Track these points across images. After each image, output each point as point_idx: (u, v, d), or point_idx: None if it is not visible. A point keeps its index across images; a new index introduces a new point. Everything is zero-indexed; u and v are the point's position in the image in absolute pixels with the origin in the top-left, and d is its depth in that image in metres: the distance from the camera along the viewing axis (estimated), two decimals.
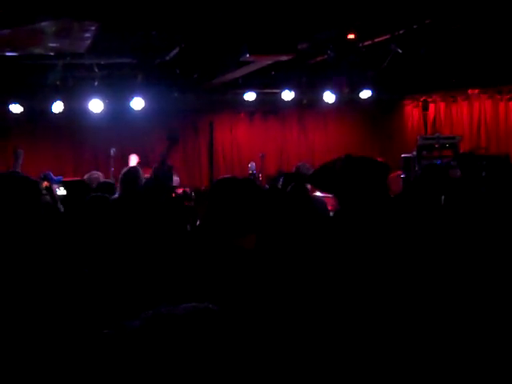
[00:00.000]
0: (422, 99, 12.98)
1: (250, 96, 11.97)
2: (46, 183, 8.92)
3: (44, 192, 8.51)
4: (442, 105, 13.12)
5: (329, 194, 4.50)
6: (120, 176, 6.53)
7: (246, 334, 1.32)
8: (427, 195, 4.27)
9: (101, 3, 6.58)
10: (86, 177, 7.41)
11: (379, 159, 11.35)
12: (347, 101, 12.58)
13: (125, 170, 6.61)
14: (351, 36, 8.31)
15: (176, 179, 8.27)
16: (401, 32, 8.50)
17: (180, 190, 8.35)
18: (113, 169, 10.37)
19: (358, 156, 3.39)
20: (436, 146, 10.76)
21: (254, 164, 10.38)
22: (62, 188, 7.32)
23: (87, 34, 7.01)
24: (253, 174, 10.01)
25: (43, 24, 6.71)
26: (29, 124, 12.04)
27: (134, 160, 8.49)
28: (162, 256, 3.55)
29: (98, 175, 7.31)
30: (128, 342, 1.20)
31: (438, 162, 10.12)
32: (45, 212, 4.48)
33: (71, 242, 4.07)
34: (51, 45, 7.60)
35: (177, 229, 4.67)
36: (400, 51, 8.73)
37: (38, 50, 7.84)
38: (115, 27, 7.41)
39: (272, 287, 2.38)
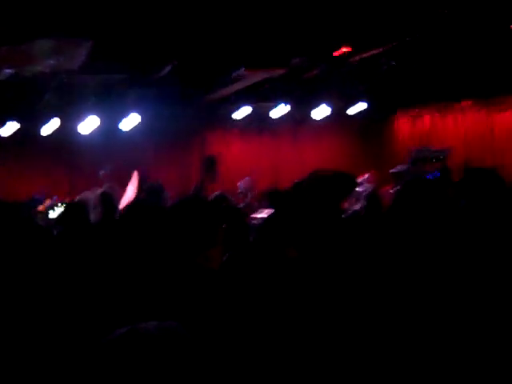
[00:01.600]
0: (414, 112, 13.06)
1: (243, 111, 11.96)
2: (41, 207, 8.89)
3: (38, 216, 8.46)
4: (435, 116, 13.18)
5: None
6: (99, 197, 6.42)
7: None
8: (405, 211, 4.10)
9: (95, 20, 6.59)
10: (77, 198, 7.33)
11: (372, 172, 11.33)
12: (340, 115, 12.63)
13: (100, 191, 6.54)
14: (345, 50, 8.35)
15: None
16: (393, 45, 8.55)
17: None
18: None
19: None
20: (428, 158, 10.81)
21: (242, 183, 10.42)
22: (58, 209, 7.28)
23: (83, 51, 7.00)
24: (241, 192, 10.06)
25: (38, 41, 6.70)
26: (22, 144, 11.96)
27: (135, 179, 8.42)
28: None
29: (90, 195, 7.23)
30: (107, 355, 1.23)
31: (428, 175, 10.14)
32: (36, 235, 4.41)
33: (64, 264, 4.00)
34: (46, 62, 7.57)
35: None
36: (394, 63, 8.78)
37: (33, 69, 7.81)
38: (109, 44, 7.41)
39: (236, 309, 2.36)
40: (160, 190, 7.68)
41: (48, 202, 9.89)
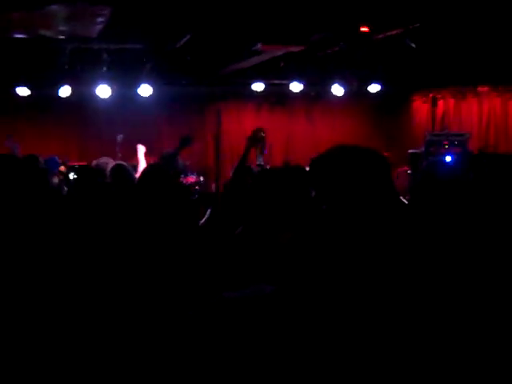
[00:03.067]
0: (431, 95, 12.91)
1: (258, 86, 11.92)
2: (62, 168, 8.92)
3: (60, 177, 8.51)
4: (451, 101, 13.05)
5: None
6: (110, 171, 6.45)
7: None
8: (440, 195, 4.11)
9: None
10: (94, 163, 7.34)
11: (385, 154, 11.31)
12: (355, 94, 12.53)
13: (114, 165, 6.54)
14: (364, 29, 8.24)
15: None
16: (412, 27, 8.43)
17: (192, 179, 8.35)
18: (120, 155, 10.34)
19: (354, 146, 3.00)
20: (444, 142, 10.70)
21: (262, 156, 10.32)
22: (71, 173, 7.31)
23: (100, 19, 6.95)
24: (260, 165, 9.95)
25: (55, 7, 6.65)
26: (35, 108, 12.00)
27: (141, 150, 8.43)
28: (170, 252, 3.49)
29: (108, 161, 7.23)
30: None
31: (449, 157, 10.04)
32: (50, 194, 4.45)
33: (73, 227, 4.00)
34: (62, 28, 7.54)
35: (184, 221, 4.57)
36: (414, 46, 8.66)
37: (48, 33, 7.78)
38: (128, 12, 7.35)
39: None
40: (175, 158, 7.64)
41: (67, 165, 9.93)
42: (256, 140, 5.76)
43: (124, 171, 6.27)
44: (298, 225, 2.67)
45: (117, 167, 6.32)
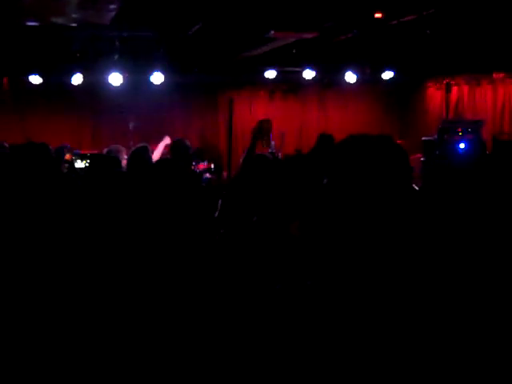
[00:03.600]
0: (445, 82, 12.79)
1: (270, 74, 11.87)
2: (68, 156, 8.94)
3: (64, 164, 8.55)
4: (466, 88, 12.91)
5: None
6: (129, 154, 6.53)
7: None
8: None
9: None
10: (105, 150, 7.35)
11: (399, 142, 11.31)
12: (369, 81, 12.44)
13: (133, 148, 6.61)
14: (378, 15, 8.17)
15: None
16: (427, 13, 8.35)
17: (203, 166, 8.34)
18: (132, 142, 10.35)
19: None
20: (458, 129, 10.61)
21: (273, 143, 10.29)
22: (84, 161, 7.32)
23: (112, 6, 6.93)
24: (272, 153, 9.92)
25: None
26: (47, 96, 12.02)
27: (166, 140, 8.37)
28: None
29: (119, 149, 7.24)
30: None
31: (462, 144, 9.96)
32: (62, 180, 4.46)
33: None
34: (74, 16, 7.53)
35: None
36: (428, 32, 8.57)
37: (60, 21, 7.77)
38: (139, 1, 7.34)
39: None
40: (187, 147, 7.61)
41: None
42: (261, 131, 5.74)
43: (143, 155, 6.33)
44: (306, 212, 2.66)
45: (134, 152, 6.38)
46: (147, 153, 6.62)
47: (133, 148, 6.80)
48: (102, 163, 5.61)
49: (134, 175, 5.73)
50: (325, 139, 6.53)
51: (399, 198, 2.41)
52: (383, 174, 2.37)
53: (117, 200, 4.44)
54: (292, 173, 2.83)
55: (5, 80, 11.89)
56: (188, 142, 7.38)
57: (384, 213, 2.37)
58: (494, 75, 12.40)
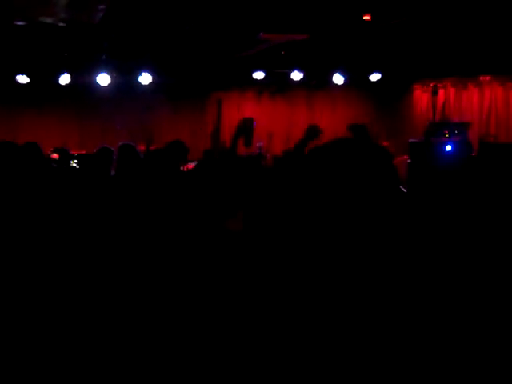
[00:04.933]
0: (431, 84, 12.85)
1: (258, 75, 11.89)
2: (55, 155, 8.93)
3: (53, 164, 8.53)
4: (452, 90, 12.99)
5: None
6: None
7: None
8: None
9: None
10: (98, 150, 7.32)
11: (385, 143, 11.35)
12: (356, 83, 12.50)
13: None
14: (366, 18, 8.22)
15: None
16: (413, 16, 8.41)
17: (191, 167, 8.32)
18: (120, 143, 10.32)
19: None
20: (445, 132, 10.67)
21: (261, 143, 10.32)
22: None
23: (101, 6, 6.92)
24: (260, 153, 9.95)
25: None
26: (35, 95, 11.98)
27: None
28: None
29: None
30: None
31: (449, 146, 10.02)
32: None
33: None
34: (62, 16, 7.52)
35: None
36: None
37: (49, 21, 7.76)
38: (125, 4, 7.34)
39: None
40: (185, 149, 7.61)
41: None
42: (242, 130, 5.72)
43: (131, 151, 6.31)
44: (253, 205, 2.68)
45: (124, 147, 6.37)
46: (135, 148, 6.60)
47: (120, 143, 6.75)
48: (92, 163, 5.61)
49: (124, 171, 5.73)
50: (312, 131, 6.50)
51: (382, 199, 2.43)
52: (363, 175, 2.40)
53: (109, 198, 4.45)
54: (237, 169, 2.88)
55: None
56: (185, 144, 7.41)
57: (366, 213, 2.40)
58: (481, 78, 12.50)
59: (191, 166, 9.43)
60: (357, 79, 12.23)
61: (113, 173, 5.99)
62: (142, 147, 8.52)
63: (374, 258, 2.28)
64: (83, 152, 10.26)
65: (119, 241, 3.52)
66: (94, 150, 7.60)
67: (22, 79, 11.10)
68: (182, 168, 8.34)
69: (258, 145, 10.31)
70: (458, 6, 8.03)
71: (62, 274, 2.77)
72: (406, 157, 10.44)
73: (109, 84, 11.15)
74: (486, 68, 11.79)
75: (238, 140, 5.17)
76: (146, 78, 11.18)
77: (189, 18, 8.36)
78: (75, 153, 10.24)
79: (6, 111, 12.09)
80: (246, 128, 5.70)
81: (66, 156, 8.48)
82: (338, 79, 12.01)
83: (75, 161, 7.96)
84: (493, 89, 12.53)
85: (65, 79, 11.08)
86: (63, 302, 2.62)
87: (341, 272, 2.15)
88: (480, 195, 3.68)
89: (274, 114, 13.53)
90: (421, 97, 13.51)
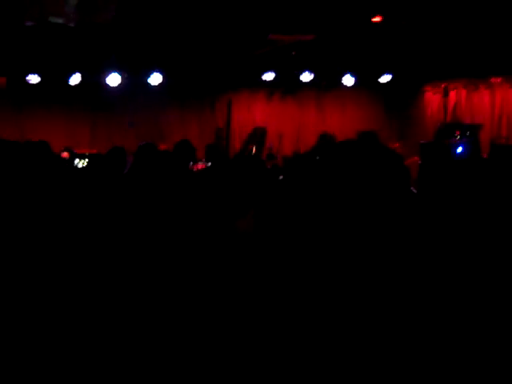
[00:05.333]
0: (442, 86, 12.81)
1: (268, 76, 11.89)
2: (65, 154, 8.97)
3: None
4: (463, 92, 12.93)
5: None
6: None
7: None
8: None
9: None
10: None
11: (395, 145, 11.30)
12: (367, 84, 12.47)
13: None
14: (376, 19, 8.19)
15: None
16: (424, 17, 8.38)
17: (201, 166, 8.37)
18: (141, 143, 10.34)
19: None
20: (456, 133, 10.64)
21: (272, 144, 10.35)
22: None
23: (111, 6, 6.94)
24: (271, 154, 9.97)
25: None
26: (46, 95, 12.01)
27: None
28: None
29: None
30: None
31: (460, 148, 9.98)
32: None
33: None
34: (73, 16, 7.54)
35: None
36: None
37: (59, 21, 7.78)
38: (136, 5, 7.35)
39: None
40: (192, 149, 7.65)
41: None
42: (253, 138, 5.68)
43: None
44: (263, 206, 2.68)
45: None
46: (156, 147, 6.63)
47: (140, 143, 6.78)
48: (104, 163, 5.62)
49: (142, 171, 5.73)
50: (325, 139, 6.54)
51: (391, 198, 2.42)
52: (375, 176, 2.40)
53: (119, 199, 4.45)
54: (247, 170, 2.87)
55: (3, 80, 11.87)
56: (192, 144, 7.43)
57: (376, 213, 2.39)
58: (492, 79, 12.43)
59: (200, 165, 9.46)
60: (367, 80, 12.20)
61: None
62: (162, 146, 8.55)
63: (384, 257, 2.27)
64: (94, 151, 10.30)
65: (128, 241, 3.53)
66: (105, 150, 7.64)
67: (34, 79, 11.13)
68: (191, 167, 8.38)
69: (268, 146, 10.33)
70: (469, 7, 7.99)
71: (68, 274, 2.77)
72: (416, 158, 10.41)
73: (119, 84, 11.17)
74: (496, 69, 11.72)
75: (249, 146, 5.16)
76: (155, 79, 11.20)
77: (199, 18, 8.36)
78: (86, 152, 10.29)
79: (17, 111, 12.13)
80: (256, 137, 5.69)
81: (73, 155, 8.52)
82: (349, 80, 11.99)
83: (86, 160, 7.98)
84: (504, 90, 12.46)
85: (75, 79, 11.11)
86: (73, 299, 2.62)
87: (351, 271, 2.14)
88: (491, 197, 3.64)
89: (284, 115, 13.51)
90: (432, 98, 13.45)
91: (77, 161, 9.51)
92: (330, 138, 6.50)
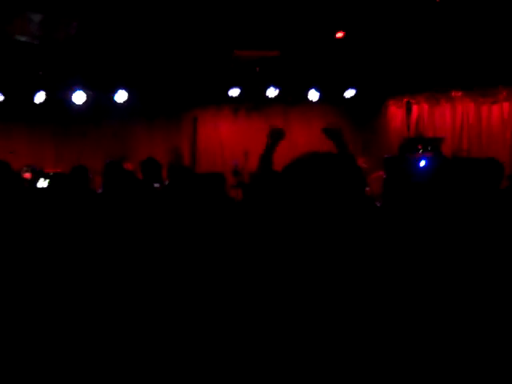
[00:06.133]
0: (405, 100, 13.01)
1: (234, 92, 11.95)
2: (27, 174, 8.86)
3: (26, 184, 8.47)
4: (426, 106, 13.15)
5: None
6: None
7: None
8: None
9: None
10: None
11: (361, 159, 11.40)
12: (331, 99, 12.60)
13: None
14: (339, 34, 8.32)
15: None
16: (385, 32, 8.53)
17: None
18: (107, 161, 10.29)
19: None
20: (418, 147, 10.79)
21: (237, 160, 10.36)
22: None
23: (74, 23, 6.95)
24: (236, 170, 9.97)
25: (30, 14, 6.64)
26: (9, 113, 11.89)
27: None
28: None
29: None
30: None
31: (423, 161, 10.12)
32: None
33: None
34: (37, 33, 7.52)
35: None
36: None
37: (23, 39, 7.75)
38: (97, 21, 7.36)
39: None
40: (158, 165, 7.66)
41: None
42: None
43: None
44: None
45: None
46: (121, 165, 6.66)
47: (107, 160, 6.78)
48: (66, 182, 5.59)
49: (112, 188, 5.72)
50: (275, 133, 6.17)
51: (359, 214, 2.45)
52: (340, 192, 2.42)
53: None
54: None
55: None
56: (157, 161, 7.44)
57: (344, 228, 2.42)
58: (453, 94, 12.68)
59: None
60: (332, 95, 12.33)
61: (100, 190, 5.98)
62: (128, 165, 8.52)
63: (350, 273, 2.30)
64: (58, 170, 10.20)
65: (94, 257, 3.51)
66: (69, 169, 7.60)
67: None
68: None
69: (233, 162, 10.34)
70: (429, 22, 8.16)
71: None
72: (381, 172, 10.52)
73: (85, 101, 11.12)
74: (457, 83, 11.98)
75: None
76: (121, 96, 11.18)
77: (164, 34, 8.40)
78: (51, 171, 10.18)
79: None
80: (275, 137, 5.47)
81: (36, 174, 8.42)
82: (314, 95, 12.10)
83: (47, 180, 7.91)
84: (464, 104, 12.72)
85: (40, 97, 11.03)
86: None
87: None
88: (453, 208, 3.71)
89: (251, 130, 13.55)
90: (395, 113, 13.64)
91: (40, 180, 9.40)
92: (279, 131, 6.09)
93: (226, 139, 13.51)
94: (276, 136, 4.85)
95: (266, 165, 4.61)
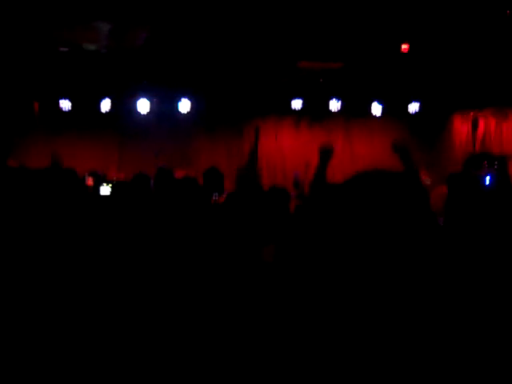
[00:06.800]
0: (471, 114, 12.72)
1: (296, 103, 11.95)
2: (90, 181, 9.04)
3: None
4: (493, 121, 12.81)
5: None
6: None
7: None
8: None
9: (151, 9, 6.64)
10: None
11: (424, 175, 11.21)
12: (395, 113, 12.44)
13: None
14: (404, 47, 8.21)
15: None
16: (452, 46, 8.37)
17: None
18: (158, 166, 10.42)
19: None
20: (484, 163, 10.52)
21: (298, 172, 10.29)
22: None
23: (143, 34, 7.08)
24: (297, 182, 9.90)
25: (99, 23, 6.79)
26: (76, 121, 12.19)
27: None
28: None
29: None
30: None
31: (488, 178, 9.86)
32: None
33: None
34: (105, 42, 7.69)
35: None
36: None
37: (91, 47, 7.95)
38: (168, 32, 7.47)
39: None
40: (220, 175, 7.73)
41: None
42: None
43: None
44: (283, 237, 2.67)
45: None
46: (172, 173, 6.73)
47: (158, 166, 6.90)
48: (127, 190, 5.67)
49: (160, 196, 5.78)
50: (325, 152, 6.12)
51: (420, 233, 2.39)
52: (401, 210, 2.36)
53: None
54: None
55: (36, 105, 12.09)
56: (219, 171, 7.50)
57: (404, 248, 2.36)
58: None
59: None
60: (395, 109, 12.18)
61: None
62: (179, 174, 8.59)
63: (410, 293, 2.24)
64: (121, 176, 10.38)
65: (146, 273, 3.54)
66: (132, 176, 7.70)
67: (65, 104, 11.32)
68: (215, 198, 8.40)
69: (294, 173, 10.28)
70: (498, 35, 7.97)
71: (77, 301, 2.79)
72: (444, 188, 10.32)
73: (149, 110, 11.31)
74: None
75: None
76: (184, 105, 11.32)
77: (229, 45, 8.46)
78: (114, 177, 10.39)
79: (49, 136, 12.30)
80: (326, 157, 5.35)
81: (98, 180, 8.58)
82: (376, 109, 11.98)
83: (109, 185, 8.05)
84: None
85: (106, 105, 11.28)
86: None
87: (372, 308, 2.12)
88: None
89: (312, 142, 13.48)
90: (461, 127, 13.34)
91: (103, 186, 9.57)
92: (328, 149, 6.03)
93: (288, 150, 13.49)
94: (326, 156, 4.79)
95: (319, 186, 4.55)
